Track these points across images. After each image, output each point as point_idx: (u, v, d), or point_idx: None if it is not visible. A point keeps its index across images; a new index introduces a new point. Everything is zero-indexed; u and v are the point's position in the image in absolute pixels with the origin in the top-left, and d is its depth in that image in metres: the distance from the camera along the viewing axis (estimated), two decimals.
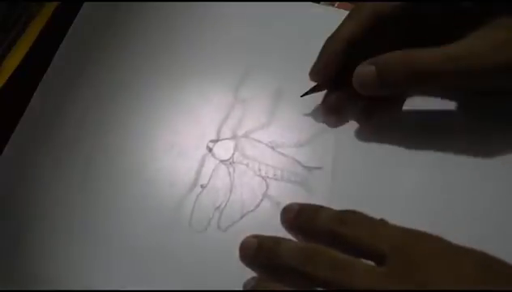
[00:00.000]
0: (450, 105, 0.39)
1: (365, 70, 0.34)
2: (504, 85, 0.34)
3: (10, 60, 0.44)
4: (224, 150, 0.39)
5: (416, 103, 0.39)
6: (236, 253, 0.36)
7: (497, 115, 0.38)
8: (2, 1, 0.44)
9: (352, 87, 0.35)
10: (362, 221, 0.33)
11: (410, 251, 0.30)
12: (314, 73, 0.37)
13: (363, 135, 0.39)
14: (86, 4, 0.45)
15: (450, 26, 0.34)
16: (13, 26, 0.44)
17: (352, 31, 0.35)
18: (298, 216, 0.35)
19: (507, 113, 0.38)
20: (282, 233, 0.36)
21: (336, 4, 0.44)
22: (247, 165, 0.39)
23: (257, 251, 0.34)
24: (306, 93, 0.38)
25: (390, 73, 0.34)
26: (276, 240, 0.34)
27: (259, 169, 0.38)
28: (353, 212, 0.33)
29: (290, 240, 0.34)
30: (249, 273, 0.35)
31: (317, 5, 0.43)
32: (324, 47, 0.36)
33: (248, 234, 0.36)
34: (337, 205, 0.36)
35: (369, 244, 0.31)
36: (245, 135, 0.39)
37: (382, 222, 0.33)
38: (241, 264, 0.35)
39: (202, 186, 0.38)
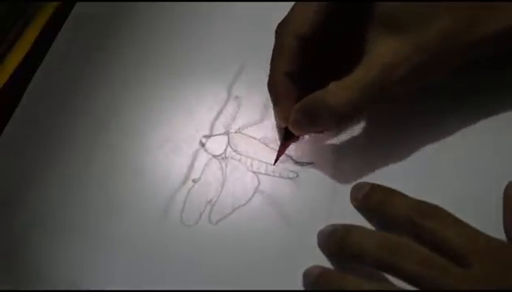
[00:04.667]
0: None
1: (296, 117, 0.35)
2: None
3: (10, 60, 0.44)
4: (216, 145, 0.39)
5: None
6: (226, 246, 0.36)
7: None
8: (2, 1, 0.44)
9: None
10: (446, 218, 0.33)
11: (497, 260, 0.31)
12: (281, 120, 0.37)
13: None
14: (78, 3, 0.46)
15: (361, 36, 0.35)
16: (13, 26, 0.45)
17: (287, 63, 0.35)
18: (369, 197, 0.35)
19: None
20: (271, 229, 0.36)
21: None
22: (239, 160, 0.39)
23: (330, 237, 0.34)
24: (277, 160, 0.38)
25: (318, 119, 0.34)
26: (349, 228, 0.34)
27: (251, 165, 0.38)
28: (436, 207, 0.33)
29: (363, 227, 0.34)
30: (238, 267, 0.35)
31: None
32: (271, 92, 0.36)
33: (239, 228, 0.36)
34: (333, 202, 0.37)
35: (454, 245, 0.31)
36: (238, 131, 0.40)
37: (467, 224, 0.32)
38: (230, 257, 0.35)
39: (194, 181, 0.38)
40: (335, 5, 0.34)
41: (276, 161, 0.38)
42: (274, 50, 0.36)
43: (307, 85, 0.35)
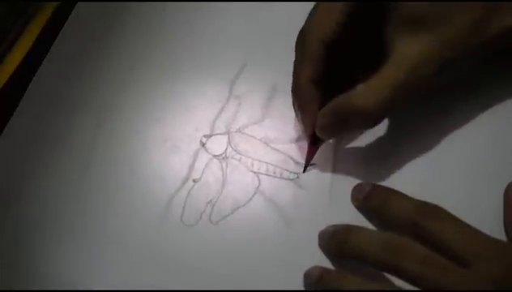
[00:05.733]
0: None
1: (324, 122, 0.35)
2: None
3: (10, 60, 0.44)
4: (217, 145, 0.39)
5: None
6: (227, 247, 0.36)
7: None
8: (2, 1, 0.44)
9: None
10: (447, 219, 0.33)
11: (497, 260, 0.31)
12: (308, 126, 0.36)
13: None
14: (78, 3, 0.46)
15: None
16: (13, 26, 0.45)
17: (312, 70, 0.35)
18: (370, 198, 0.35)
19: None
20: (272, 229, 0.36)
21: None
22: (240, 160, 0.39)
23: (331, 239, 0.34)
24: (306, 166, 0.38)
25: (347, 122, 0.34)
26: (350, 228, 0.34)
27: (252, 165, 0.38)
28: (436, 207, 0.33)
29: (363, 228, 0.34)
30: (238, 267, 0.35)
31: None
32: (297, 99, 0.36)
33: (239, 229, 0.36)
34: (333, 202, 0.37)
35: (455, 245, 0.31)
36: (239, 131, 0.40)
37: (467, 224, 0.32)
38: (230, 257, 0.35)
39: (194, 181, 0.38)
40: (357, 7, 0.34)
41: (305, 168, 0.38)
42: (297, 58, 0.36)
43: (330, 89, 0.35)
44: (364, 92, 0.33)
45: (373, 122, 0.35)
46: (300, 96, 0.36)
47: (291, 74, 0.37)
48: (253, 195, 0.37)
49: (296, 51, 0.36)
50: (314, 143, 0.37)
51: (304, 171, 0.38)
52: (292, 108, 0.37)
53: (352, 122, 0.34)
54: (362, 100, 0.33)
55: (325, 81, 0.35)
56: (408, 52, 0.33)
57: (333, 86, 0.35)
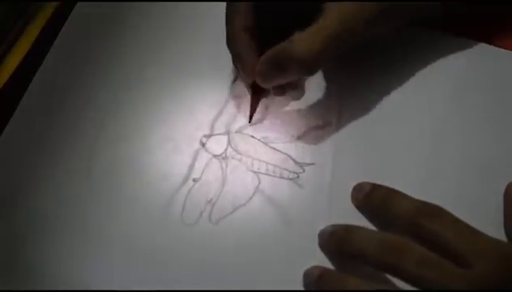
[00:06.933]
0: (450, 100, 0.39)
1: (262, 69, 0.36)
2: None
3: (10, 60, 0.44)
4: (217, 145, 0.39)
5: (414, 100, 0.39)
6: (226, 246, 0.36)
7: None
8: (2, 1, 0.44)
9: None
10: (447, 219, 0.33)
11: (497, 260, 0.31)
12: (247, 75, 0.37)
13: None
14: (78, 3, 0.46)
15: None
16: (13, 26, 0.45)
17: (243, 19, 0.37)
18: (370, 197, 0.36)
19: None
20: (272, 228, 0.36)
21: None
22: (240, 160, 0.39)
23: (330, 237, 0.35)
24: (251, 117, 0.39)
25: (284, 68, 0.35)
26: (350, 228, 0.34)
27: (252, 165, 0.38)
28: (436, 207, 0.33)
29: (363, 227, 0.34)
30: (238, 267, 0.35)
31: None
32: (232, 49, 0.38)
33: (239, 228, 0.36)
34: (333, 202, 0.37)
35: (455, 246, 0.31)
36: (239, 131, 0.40)
37: (467, 224, 0.32)
38: (230, 257, 0.35)
39: (194, 180, 0.38)
40: None
41: (251, 117, 0.39)
42: (228, 9, 0.37)
43: (268, 42, 0.36)
44: (301, 40, 0.35)
45: (308, 69, 0.36)
46: (235, 44, 0.37)
47: None
48: (253, 195, 0.37)
49: (226, 4, 0.38)
50: (256, 92, 0.38)
51: (249, 122, 0.39)
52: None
53: (289, 68, 0.35)
54: (298, 48, 0.34)
55: (260, 33, 0.37)
56: (341, 6, 0.35)
57: (271, 40, 0.36)
